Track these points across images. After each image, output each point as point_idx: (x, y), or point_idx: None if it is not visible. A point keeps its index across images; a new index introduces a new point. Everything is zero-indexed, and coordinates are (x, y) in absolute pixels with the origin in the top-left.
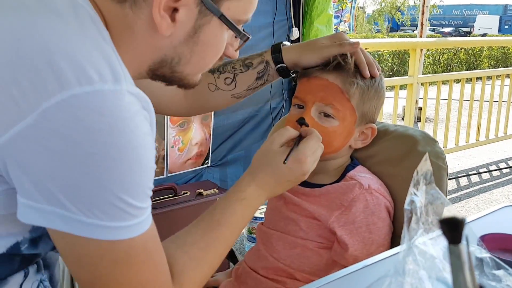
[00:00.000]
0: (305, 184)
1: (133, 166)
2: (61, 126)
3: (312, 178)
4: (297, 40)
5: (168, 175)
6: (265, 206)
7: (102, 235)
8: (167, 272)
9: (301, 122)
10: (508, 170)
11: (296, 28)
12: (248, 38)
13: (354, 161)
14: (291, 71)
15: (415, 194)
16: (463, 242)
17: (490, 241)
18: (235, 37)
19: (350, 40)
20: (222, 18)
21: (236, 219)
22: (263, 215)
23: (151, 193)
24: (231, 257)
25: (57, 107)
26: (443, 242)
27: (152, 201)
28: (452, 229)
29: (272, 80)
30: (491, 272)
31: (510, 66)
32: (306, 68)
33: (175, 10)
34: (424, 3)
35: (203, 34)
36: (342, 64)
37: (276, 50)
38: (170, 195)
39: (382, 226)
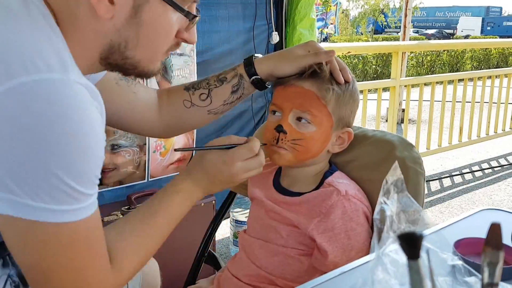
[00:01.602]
0: (285, 192)
1: (80, 153)
2: (9, 112)
3: (293, 187)
4: (278, 44)
5: (150, 179)
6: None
7: (48, 217)
8: (105, 256)
9: (279, 129)
10: (490, 170)
11: (276, 33)
12: (195, 16)
13: (332, 167)
14: (266, 83)
15: (385, 203)
16: (422, 256)
17: (465, 246)
18: (191, 21)
19: (323, 48)
20: None
21: (172, 210)
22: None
23: (97, 182)
24: (214, 263)
25: (5, 95)
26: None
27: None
28: (411, 244)
29: (248, 93)
30: (464, 279)
31: (492, 67)
32: (282, 77)
33: None
34: (406, 6)
35: (145, 14)
36: (318, 71)
37: (249, 63)
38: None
39: (360, 232)
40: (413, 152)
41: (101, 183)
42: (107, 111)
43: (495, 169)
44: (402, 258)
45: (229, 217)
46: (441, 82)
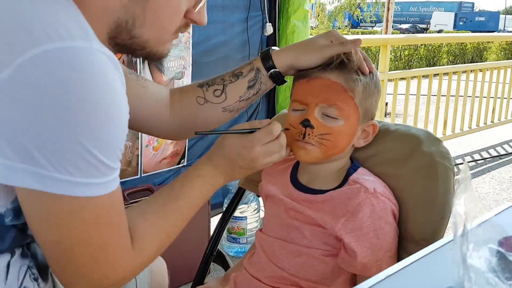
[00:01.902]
0: (306, 190)
1: (105, 122)
2: (35, 80)
3: (313, 184)
4: (272, 36)
5: (143, 175)
6: (257, 210)
7: (75, 191)
8: (128, 236)
9: (306, 124)
10: (473, 163)
11: (270, 24)
12: None
13: (354, 162)
14: (285, 77)
15: (458, 203)
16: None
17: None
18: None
19: (346, 38)
20: None
21: (193, 194)
22: (243, 215)
23: (121, 156)
24: (223, 262)
25: (31, 62)
26: (485, 251)
27: (129, 203)
28: None
29: (266, 89)
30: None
31: (467, 62)
32: (304, 69)
33: None
34: (389, 0)
35: None
36: (345, 62)
37: (266, 56)
38: (146, 197)
39: (389, 231)
40: (441, 147)
41: None
42: None
43: (478, 162)
44: (475, 262)
45: (222, 211)
46: (427, 76)
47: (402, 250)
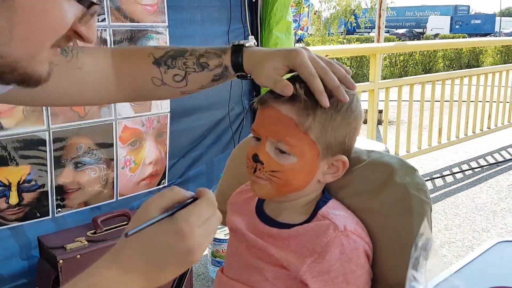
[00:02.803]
0: (272, 223)
1: None
2: None
3: (279, 216)
4: None
5: (119, 198)
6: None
7: None
8: None
9: (255, 159)
10: (470, 172)
11: (253, 37)
12: (93, 4)
13: (325, 194)
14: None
15: (415, 278)
16: None
17: None
18: (91, 15)
19: (307, 62)
20: None
21: None
22: (227, 237)
23: None
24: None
25: None
26: None
27: (103, 231)
28: None
29: (229, 80)
30: None
31: (464, 66)
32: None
33: None
34: (380, 7)
35: None
36: (299, 95)
37: (237, 54)
38: (124, 223)
39: (360, 275)
40: (416, 178)
41: (64, 206)
42: (52, 97)
43: (475, 170)
44: None
45: None
46: (419, 83)
47: None
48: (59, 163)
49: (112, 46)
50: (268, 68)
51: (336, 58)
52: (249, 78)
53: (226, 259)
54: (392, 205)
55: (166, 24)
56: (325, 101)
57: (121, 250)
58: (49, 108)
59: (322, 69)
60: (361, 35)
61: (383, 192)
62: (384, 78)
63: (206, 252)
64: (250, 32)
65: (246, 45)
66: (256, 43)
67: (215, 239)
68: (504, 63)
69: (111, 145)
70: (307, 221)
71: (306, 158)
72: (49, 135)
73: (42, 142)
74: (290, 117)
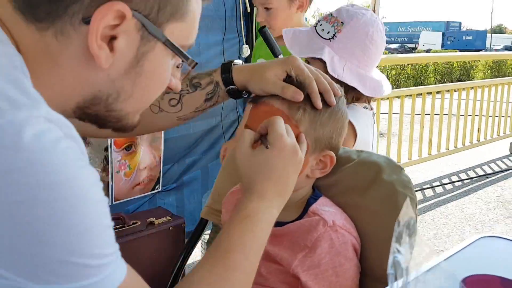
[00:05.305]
0: None
1: (74, 212)
2: None
3: None
4: (249, 57)
5: (114, 202)
6: None
7: None
8: None
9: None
10: (460, 183)
11: (247, 46)
12: (196, 64)
13: (315, 192)
14: (243, 92)
15: (398, 251)
16: None
17: (474, 284)
18: (177, 66)
19: (304, 69)
20: (167, 43)
21: (246, 240)
22: None
23: (112, 232)
24: None
25: None
26: None
27: None
28: None
29: (222, 101)
30: None
31: (455, 81)
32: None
33: (113, 38)
34: None
35: (147, 63)
36: None
37: (227, 70)
38: (118, 226)
39: (349, 268)
40: (402, 175)
41: None
42: None
43: (465, 181)
44: None
45: (200, 240)
46: (410, 96)
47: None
48: None
49: None
50: (271, 75)
51: None
52: (243, 95)
53: None
54: (380, 202)
55: None
56: (319, 103)
57: (251, 187)
58: None
59: (314, 73)
60: None
61: (371, 189)
62: None
63: (199, 257)
64: (245, 42)
65: (235, 61)
66: (250, 52)
67: (208, 244)
68: (495, 78)
69: (106, 149)
70: (299, 218)
71: None
72: None
73: None
74: (282, 110)
